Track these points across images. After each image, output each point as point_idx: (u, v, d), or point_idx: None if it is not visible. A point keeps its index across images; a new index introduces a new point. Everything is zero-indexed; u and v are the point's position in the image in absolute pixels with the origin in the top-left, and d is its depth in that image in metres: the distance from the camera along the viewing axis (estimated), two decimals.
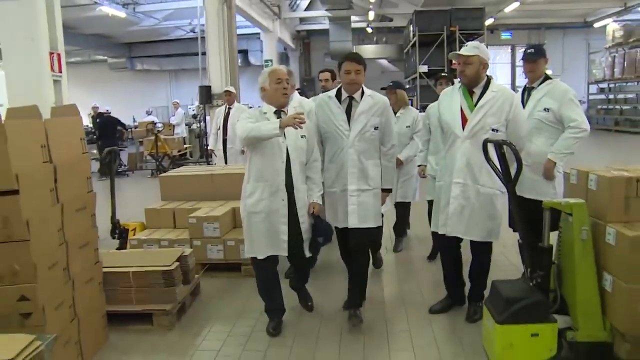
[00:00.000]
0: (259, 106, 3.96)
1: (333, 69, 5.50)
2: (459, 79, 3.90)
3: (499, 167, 3.52)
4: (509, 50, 27.59)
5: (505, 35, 25.64)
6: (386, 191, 4.04)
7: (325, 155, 3.99)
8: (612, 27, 22.61)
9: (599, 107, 24.45)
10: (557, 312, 3.30)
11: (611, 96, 23.86)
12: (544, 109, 4.18)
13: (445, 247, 4.12)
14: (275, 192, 3.69)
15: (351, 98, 3.86)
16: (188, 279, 4.39)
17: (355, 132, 3.82)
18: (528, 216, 3.48)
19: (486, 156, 3.60)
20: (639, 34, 20.53)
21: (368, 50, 24.65)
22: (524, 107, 4.21)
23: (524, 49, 4.54)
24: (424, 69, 18.34)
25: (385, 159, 3.99)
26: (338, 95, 3.91)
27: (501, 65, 27.40)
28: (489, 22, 20.95)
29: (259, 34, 21.65)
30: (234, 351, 3.65)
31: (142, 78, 28.60)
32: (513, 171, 3.43)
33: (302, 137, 3.76)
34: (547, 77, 4.29)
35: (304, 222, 3.79)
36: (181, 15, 20.54)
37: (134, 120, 15.95)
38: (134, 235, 5.55)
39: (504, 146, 3.41)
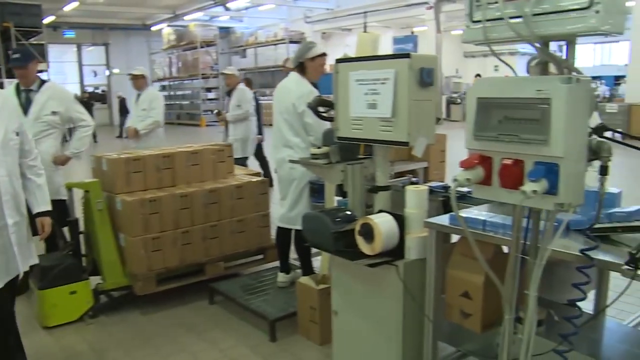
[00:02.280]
0: None
1: None
2: None
3: None
4: (75, 48, 27.60)
5: (68, 34, 25.51)
6: (47, 214, 3.08)
7: None
8: (167, 31, 25.40)
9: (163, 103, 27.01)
10: (93, 274, 4.11)
11: (172, 93, 26.65)
12: (52, 112, 4.28)
13: None
14: None
15: None
16: None
17: None
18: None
19: None
20: (188, 38, 23.61)
21: None
22: (25, 110, 4.20)
23: (11, 55, 4.37)
24: None
25: (33, 172, 3.00)
26: None
27: (70, 63, 27.18)
28: (49, 19, 20.61)
29: None
30: None
31: None
32: None
33: None
34: (43, 80, 4.38)
35: None
36: None
37: None
38: None
39: None
